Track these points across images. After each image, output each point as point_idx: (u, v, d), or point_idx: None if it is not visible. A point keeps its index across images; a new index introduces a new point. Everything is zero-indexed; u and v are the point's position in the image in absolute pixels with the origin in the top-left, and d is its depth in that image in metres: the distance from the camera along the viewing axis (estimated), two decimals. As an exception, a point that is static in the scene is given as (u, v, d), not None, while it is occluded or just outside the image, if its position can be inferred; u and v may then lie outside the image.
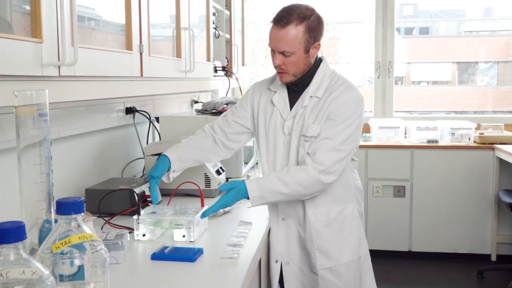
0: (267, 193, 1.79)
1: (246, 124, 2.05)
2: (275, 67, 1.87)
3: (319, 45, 1.86)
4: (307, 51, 1.83)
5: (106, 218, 1.89)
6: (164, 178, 1.95)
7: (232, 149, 2.08)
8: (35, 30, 1.24)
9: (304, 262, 1.96)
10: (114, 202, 1.96)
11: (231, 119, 2.05)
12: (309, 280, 1.95)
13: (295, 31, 1.78)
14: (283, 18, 1.79)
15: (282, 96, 1.95)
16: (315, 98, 1.88)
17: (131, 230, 1.73)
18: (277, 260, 1.98)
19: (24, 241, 0.85)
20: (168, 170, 1.94)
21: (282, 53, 1.82)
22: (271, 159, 1.96)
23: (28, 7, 1.24)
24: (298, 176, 1.78)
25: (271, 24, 1.84)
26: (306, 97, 1.90)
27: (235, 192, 1.78)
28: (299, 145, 1.88)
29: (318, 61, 1.94)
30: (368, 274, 2.02)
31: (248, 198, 1.79)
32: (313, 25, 1.81)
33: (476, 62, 8.86)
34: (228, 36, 3.59)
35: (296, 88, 1.93)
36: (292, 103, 1.94)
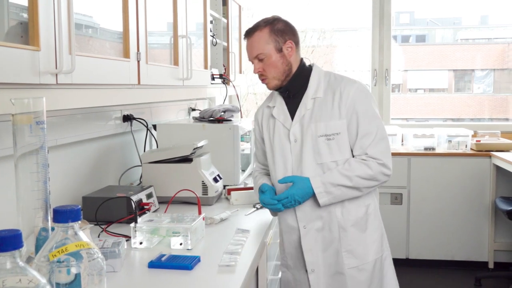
0: (332, 187, 1.85)
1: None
2: (258, 76, 1.95)
3: (292, 43, 1.91)
4: (279, 50, 1.90)
5: (103, 226, 1.88)
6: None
7: None
8: (32, 38, 1.24)
9: (329, 265, 1.94)
10: (111, 210, 1.96)
11: (262, 158, 2.12)
12: (335, 282, 1.95)
13: (261, 34, 1.90)
14: (250, 30, 1.93)
15: (281, 108, 1.98)
16: (317, 99, 1.92)
17: (128, 238, 1.72)
18: (306, 270, 1.97)
19: (20, 249, 0.84)
20: None
21: (257, 58, 1.91)
22: (281, 169, 1.96)
23: (25, 15, 1.24)
24: (360, 169, 1.86)
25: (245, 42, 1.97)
26: (307, 100, 1.93)
27: (300, 186, 1.84)
28: (317, 146, 1.89)
29: (310, 67, 1.99)
30: (390, 270, 2.04)
31: (313, 195, 1.85)
32: (278, 27, 1.91)
33: (473, 70, 8.90)
34: (225, 44, 3.60)
35: (290, 95, 1.96)
36: (292, 111, 1.96)
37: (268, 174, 2.09)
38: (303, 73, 1.95)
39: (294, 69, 1.94)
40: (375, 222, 1.98)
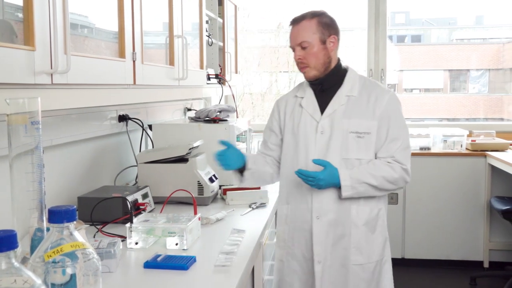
0: (357, 183, 1.91)
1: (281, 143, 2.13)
2: (297, 63, 2.00)
3: (335, 38, 1.99)
4: (323, 42, 1.96)
5: (98, 226, 1.88)
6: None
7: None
8: (27, 38, 1.24)
9: (335, 258, 1.99)
10: (106, 210, 1.95)
11: (270, 143, 2.14)
12: (339, 276, 1.99)
13: (309, 23, 1.96)
14: (297, 18, 1.99)
15: (310, 99, 2.04)
16: (352, 97, 1.99)
17: (123, 238, 1.72)
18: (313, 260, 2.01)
19: (15, 249, 0.84)
20: (242, 168, 2.04)
21: (301, 45, 1.96)
22: (303, 159, 1.99)
23: (20, 15, 1.24)
24: (386, 171, 1.94)
25: (290, 28, 2.02)
26: (341, 96, 2.00)
27: (329, 173, 1.89)
28: (346, 142, 1.96)
29: (345, 68, 2.06)
30: (388, 274, 2.08)
31: (339, 187, 1.91)
32: (325, 20, 1.98)
33: (468, 70, 8.93)
34: (221, 43, 3.60)
35: (322, 89, 2.02)
36: (321, 104, 2.02)
37: (266, 157, 2.13)
38: (339, 71, 2.03)
39: (333, 64, 2.02)
40: (383, 226, 2.06)
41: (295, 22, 1.99)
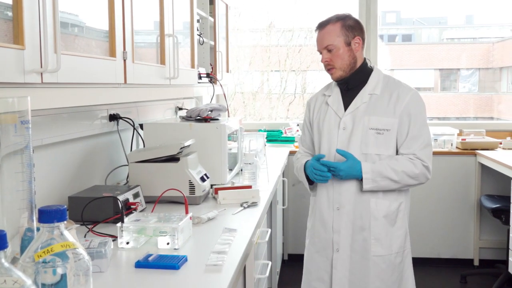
0: (379, 177, 2.00)
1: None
2: (325, 66, 2.11)
3: (360, 40, 2.09)
4: (348, 44, 2.07)
5: (89, 226, 1.87)
6: (311, 190, 2.25)
7: None
8: (17, 37, 1.23)
9: (355, 249, 2.09)
10: (97, 209, 1.95)
11: (309, 141, 2.30)
12: (359, 267, 2.09)
13: (333, 27, 2.08)
14: (323, 23, 2.11)
15: (336, 98, 2.16)
16: (374, 95, 2.09)
17: (114, 238, 1.71)
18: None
19: (5, 250, 0.84)
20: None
21: (327, 48, 2.06)
22: (325, 153, 2.12)
23: (10, 13, 1.23)
24: (407, 167, 2.02)
25: (316, 33, 2.14)
26: (364, 94, 2.10)
27: (350, 165, 1.99)
28: (367, 137, 2.05)
29: (371, 68, 2.16)
30: (410, 268, 2.18)
31: (360, 180, 2.01)
32: (349, 23, 2.08)
33: (458, 69, 8.98)
34: (212, 43, 3.60)
35: (348, 87, 2.13)
36: (346, 102, 2.13)
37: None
38: (364, 70, 2.14)
39: (358, 64, 2.12)
40: (403, 219, 2.14)
41: (321, 27, 2.10)
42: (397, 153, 2.09)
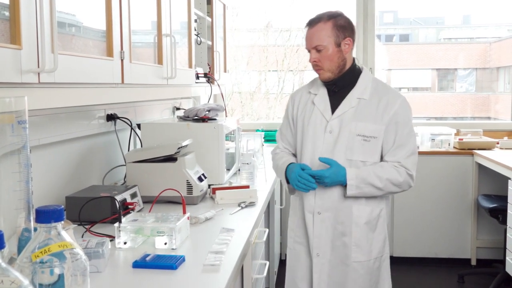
0: (363, 183, 1.97)
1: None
2: (313, 66, 2.05)
3: (350, 40, 2.02)
4: (338, 45, 2.00)
5: (86, 226, 1.87)
6: (290, 191, 2.20)
7: None
8: (14, 37, 1.23)
9: (336, 255, 2.06)
10: (95, 209, 1.94)
11: (290, 136, 2.21)
12: (338, 272, 2.06)
13: (324, 26, 2.00)
14: (313, 20, 2.03)
15: (323, 98, 2.09)
16: (363, 100, 2.03)
17: (112, 238, 1.71)
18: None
19: (2, 250, 0.83)
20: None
21: (316, 48, 2.00)
22: (308, 156, 2.07)
23: (7, 13, 1.22)
24: (392, 174, 1.98)
25: (305, 30, 2.06)
26: (352, 98, 2.04)
27: (335, 171, 1.95)
28: (352, 143, 2.01)
29: (359, 69, 2.10)
30: (386, 272, 2.16)
31: (344, 185, 1.97)
32: (340, 23, 2.01)
33: (455, 69, 8.99)
34: (210, 42, 3.59)
35: (336, 89, 2.07)
36: (333, 104, 2.07)
37: (293, 155, 2.20)
38: (353, 72, 2.07)
39: (348, 66, 2.05)
40: (383, 225, 2.12)
41: (311, 24, 2.02)
42: (381, 159, 2.05)
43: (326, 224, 2.05)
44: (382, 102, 2.03)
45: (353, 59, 2.09)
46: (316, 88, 2.13)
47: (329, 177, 1.96)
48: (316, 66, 2.04)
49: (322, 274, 2.07)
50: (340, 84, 2.06)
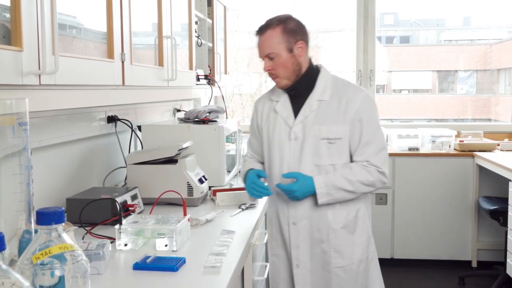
0: (333, 189, 1.91)
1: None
2: (268, 74, 1.98)
3: (303, 43, 1.94)
4: (290, 50, 1.91)
5: (87, 228, 1.87)
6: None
7: None
8: (15, 38, 1.23)
9: (316, 263, 2.01)
10: (95, 211, 1.94)
11: (256, 145, 2.16)
12: (320, 280, 2.01)
13: (273, 32, 1.91)
14: (262, 27, 1.94)
15: (284, 104, 2.02)
16: (323, 102, 1.97)
17: (112, 239, 1.71)
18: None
19: (3, 252, 0.83)
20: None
21: (268, 56, 1.92)
22: (277, 165, 2.02)
23: (8, 15, 1.23)
24: (362, 175, 1.92)
25: (256, 38, 1.97)
26: (313, 101, 1.97)
27: (302, 183, 1.89)
28: (318, 148, 1.94)
29: (317, 68, 2.03)
30: (376, 272, 2.10)
31: (315, 194, 1.91)
32: (290, 27, 1.92)
33: (456, 71, 8.99)
34: (210, 44, 3.59)
35: (296, 94, 2.00)
36: (295, 109, 2.00)
37: (260, 162, 2.16)
38: (311, 74, 2.00)
39: (304, 69, 1.97)
40: (364, 225, 2.04)
41: (260, 32, 1.94)
42: (351, 159, 1.99)
43: (303, 233, 2.00)
44: (343, 101, 1.95)
45: (309, 60, 2.01)
46: (277, 95, 2.05)
47: (298, 190, 1.90)
48: (272, 75, 1.97)
49: (304, 284, 2.01)
50: (299, 88, 1.99)
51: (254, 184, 1.96)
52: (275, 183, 2.00)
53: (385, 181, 1.97)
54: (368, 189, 1.96)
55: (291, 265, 2.04)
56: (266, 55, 1.93)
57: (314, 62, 2.03)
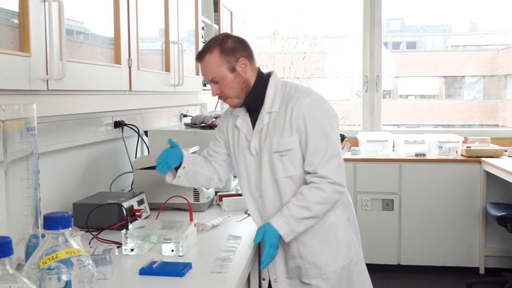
0: (295, 223, 1.82)
1: (225, 151, 2.09)
2: (218, 98, 1.94)
3: (245, 59, 1.88)
4: (232, 70, 1.86)
5: (94, 233, 1.87)
6: (168, 177, 2.00)
7: (221, 175, 2.11)
8: (23, 44, 1.24)
9: (293, 276, 1.96)
10: (102, 216, 1.95)
11: (213, 149, 2.10)
12: None
13: (211, 56, 1.85)
14: (200, 53, 1.89)
15: (244, 119, 1.97)
16: (273, 113, 1.90)
17: (119, 244, 1.71)
18: (264, 278, 2.01)
19: (10, 256, 0.84)
20: (178, 167, 1.98)
21: (213, 81, 1.88)
22: (245, 181, 1.99)
23: (16, 21, 1.23)
24: (315, 196, 1.82)
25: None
26: (264, 114, 1.91)
27: (269, 236, 1.81)
28: (272, 162, 1.89)
29: (267, 76, 1.96)
30: (361, 276, 2.02)
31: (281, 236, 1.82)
32: (227, 46, 1.86)
33: (463, 76, 8.96)
34: (217, 50, 3.60)
35: (251, 109, 1.95)
36: (254, 123, 1.95)
37: (207, 159, 2.10)
38: (260, 87, 1.93)
39: (252, 83, 1.91)
40: (338, 233, 1.95)
41: (199, 58, 1.89)
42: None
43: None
44: (289, 109, 1.87)
45: (258, 70, 1.95)
46: (237, 110, 2.00)
47: (267, 240, 1.82)
48: (221, 97, 1.92)
49: None
50: (251, 103, 1.93)
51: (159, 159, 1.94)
52: (246, 194, 1.99)
53: (341, 190, 1.86)
54: (327, 206, 1.86)
55: (270, 280, 2.00)
56: (210, 80, 1.88)
57: (266, 70, 1.98)
